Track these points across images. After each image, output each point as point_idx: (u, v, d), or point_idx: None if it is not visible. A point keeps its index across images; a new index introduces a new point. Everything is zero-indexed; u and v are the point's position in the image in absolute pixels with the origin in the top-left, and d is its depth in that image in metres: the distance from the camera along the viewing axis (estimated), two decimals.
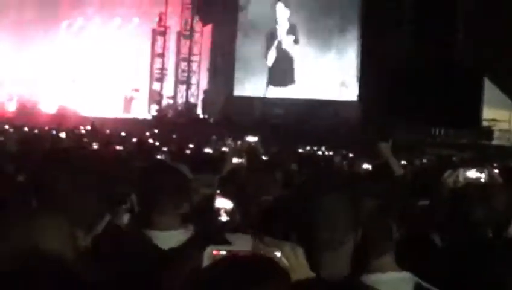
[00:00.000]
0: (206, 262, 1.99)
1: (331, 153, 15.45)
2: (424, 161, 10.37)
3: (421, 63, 21.82)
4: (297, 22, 26.05)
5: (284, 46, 26.33)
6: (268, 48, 26.66)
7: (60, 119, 24.94)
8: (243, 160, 6.17)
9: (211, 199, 4.29)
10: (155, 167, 4.03)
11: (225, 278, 1.85)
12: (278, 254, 2.10)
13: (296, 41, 26.12)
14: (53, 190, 2.36)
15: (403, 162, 9.04)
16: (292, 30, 26.20)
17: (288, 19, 26.19)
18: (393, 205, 3.15)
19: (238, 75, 27.20)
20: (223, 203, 4.17)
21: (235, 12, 27.11)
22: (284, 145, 13.94)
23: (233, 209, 4.04)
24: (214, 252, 2.02)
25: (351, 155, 14.38)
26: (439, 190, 4.93)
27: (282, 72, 26.33)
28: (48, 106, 30.67)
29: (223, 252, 2.02)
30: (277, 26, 26.41)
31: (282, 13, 26.31)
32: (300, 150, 14.52)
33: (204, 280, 1.87)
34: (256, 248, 2.08)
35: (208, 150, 11.99)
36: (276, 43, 26.49)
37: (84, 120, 24.02)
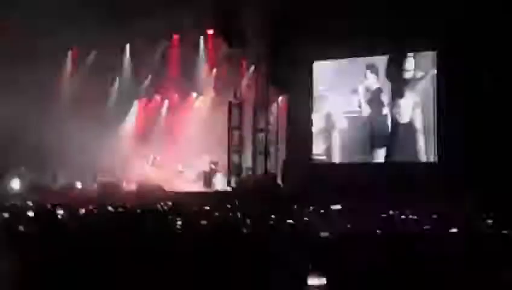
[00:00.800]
0: None
1: (415, 217, 15.13)
2: None
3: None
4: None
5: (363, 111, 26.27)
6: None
7: (142, 196, 25.18)
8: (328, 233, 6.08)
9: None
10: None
11: None
12: None
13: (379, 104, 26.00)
14: None
15: None
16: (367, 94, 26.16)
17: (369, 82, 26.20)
18: None
19: (315, 142, 27.15)
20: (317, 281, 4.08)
21: (309, 81, 27.25)
22: (369, 210, 13.76)
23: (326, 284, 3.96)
24: None
25: (435, 216, 14.08)
26: None
27: (361, 136, 26.24)
28: (128, 184, 31.11)
29: None
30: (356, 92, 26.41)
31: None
32: (386, 214, 14.30)
33: None
34: None
35: (290, 221, 11.89)
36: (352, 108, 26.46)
37: (166, 196, 24.20)
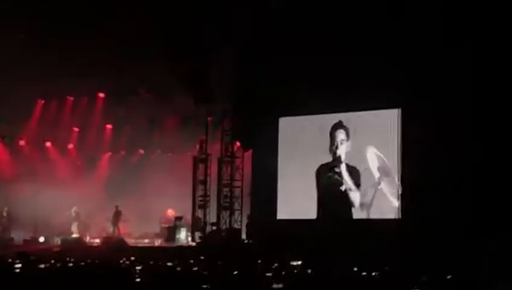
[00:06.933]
0: None
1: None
2: None
3: None
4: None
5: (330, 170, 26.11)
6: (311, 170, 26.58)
7: (105, 251, 24.95)
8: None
9: None
10: None
11: None
12: None
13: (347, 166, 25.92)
14: None
15: None
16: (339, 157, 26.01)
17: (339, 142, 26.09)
18: None
19: (280, 198, 26.92)
20: None
21: (275, 136, 27.09)
22: (333, 269, 13.70)
23: None
24: None
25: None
26: None
27: (328, 194, 26.08)
28: (91, 238, 30.85)
29: None
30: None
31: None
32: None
33: None
34: None
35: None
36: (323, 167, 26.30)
37: (129, 251, 24.00)
